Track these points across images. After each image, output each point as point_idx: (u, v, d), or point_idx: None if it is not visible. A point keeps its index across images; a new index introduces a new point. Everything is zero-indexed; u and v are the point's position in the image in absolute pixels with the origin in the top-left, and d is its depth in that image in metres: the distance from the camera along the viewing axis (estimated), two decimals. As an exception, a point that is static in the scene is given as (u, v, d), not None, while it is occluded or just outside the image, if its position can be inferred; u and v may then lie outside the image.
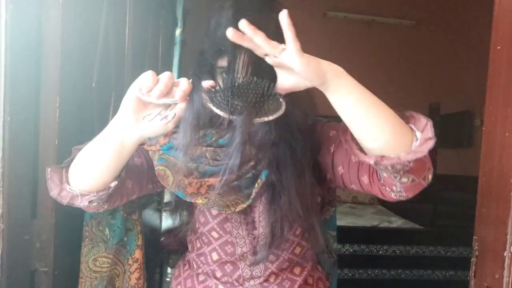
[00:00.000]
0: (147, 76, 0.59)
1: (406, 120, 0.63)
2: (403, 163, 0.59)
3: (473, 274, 0.86)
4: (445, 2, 3.48)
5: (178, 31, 1.93)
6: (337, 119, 0.69)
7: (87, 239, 0.85)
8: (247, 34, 0.55)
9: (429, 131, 0.60)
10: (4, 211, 0.71)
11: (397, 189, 0.65)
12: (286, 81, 0.61)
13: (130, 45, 1.23)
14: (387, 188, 0.66)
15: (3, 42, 0.69)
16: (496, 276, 0.78)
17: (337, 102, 0.60)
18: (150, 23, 1.50)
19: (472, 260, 0.86)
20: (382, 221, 2.79)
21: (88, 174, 0.67)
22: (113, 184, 0.69)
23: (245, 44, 0.57)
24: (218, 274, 0.82)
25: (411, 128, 0.62)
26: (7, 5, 0.69)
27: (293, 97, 0.66)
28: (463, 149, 3.42)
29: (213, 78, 0.67)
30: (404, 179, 0.62)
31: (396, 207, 3.21)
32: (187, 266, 0.88)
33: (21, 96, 0.74)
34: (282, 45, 0.57)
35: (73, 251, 0.90)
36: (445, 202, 3.25)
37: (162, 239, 1.03)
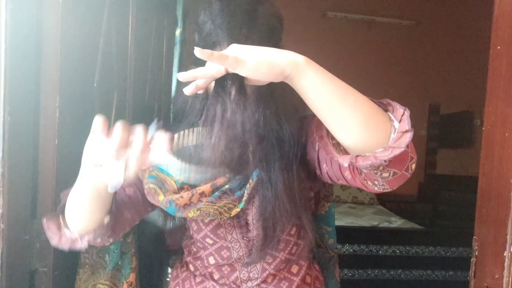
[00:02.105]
0: (96, 143, 0.59)
1: (384, 108, 0.60)
2: (379, 163, 0.55)
3: (473, 274, 0.86)
4: (445, 2, 3.48)
5: (178, 31, 1.93)
6: None
7: (86, 266, 0.85)
8: (211, 58, 0.54)
9: (406, 123, 0.56)
10: (4, 211, 0.71)
11: (379, 183, 0.62)
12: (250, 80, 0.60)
13: (133, 45, 1.23)
14: (369, 182, 0.63)
15: (3, 42, 0.69)
16: (496, 276, 0.78)
17: (304, 94, 0.58)
18: (154, 24, 1.50)
19: (472, 260, 0.86)
20: (382, 221, 2.79)
21: (78, 217, 0.69)
22: (106, 221, 0.70)
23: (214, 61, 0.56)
24: (216, 276, 0.82)
25: (389, 117, 0.58)
26: (7, 5, 0.69)
27: (281, 90, 0.66)
28: (463, 149, 3.42)
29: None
30: (385, 174, 0.59)
31: (396, 207, 3.22)
32: (184, 268, 0.88)
33: (21, 96, 0.74)
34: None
35: (72, 251, 0.90)
36: (445, 202, 3.25)
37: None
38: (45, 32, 0.78)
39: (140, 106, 1.38)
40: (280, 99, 0.71)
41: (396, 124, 0.57)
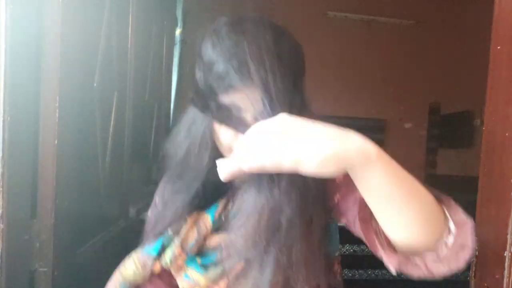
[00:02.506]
0: None
1: (440, 201, 0.53)
2: (430, 275, 0.51)
3: (473, 274, 0.86)
4: (445, 2, 3.48)
5: (178, 31, 1.93)
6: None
7: None
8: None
9: (470, 238, 0.50)
10: (4, 211, 0.71)
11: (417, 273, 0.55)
12: None
13: (133, 45, 1.23)
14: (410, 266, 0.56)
15: (3, 42, 0.69)
16: (496, 276, 0.78)
17: (363, 187, 0.49)
18: (154, 24, 1.50)
19: (472, 260, 0.86)
20: (382, 221, 2.79)
21: None
22: None
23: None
24: None
25: (445, 215, 0.52)
26: (7, 5, 0.69)
27: None
28: (463, 149, 3.42)
29: (219, 113, 0.60)
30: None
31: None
32: None
33: (21, 96, 0.74)
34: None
35: (72, 251, 0.90)
36: (445, 202, 3.24)
37: None
38: (45, 32, 0.77)
39: (140, 106, 1.38)
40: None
41: (451, 225, 0.51)
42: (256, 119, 0.52)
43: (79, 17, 0.86)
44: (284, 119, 0.46)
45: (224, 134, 0.62)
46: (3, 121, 0.70)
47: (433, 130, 3.60)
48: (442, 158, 3.57)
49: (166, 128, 1.76)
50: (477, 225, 0.87)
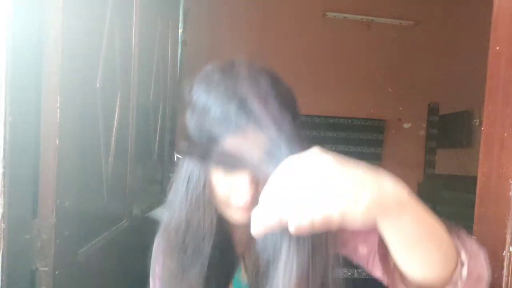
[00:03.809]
0: None
1: (452, 234, 0.52)
2: None
3: (472, 273, 0.86)
4: (445, 2, 3.48)
5: (178, 32, 1.93)
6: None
7: None
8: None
9: (484, 267, 0.50)
10: (5, 210, 0.71)
11: None
12: None
13: (137, 45, 1.23)
14: None
15: (4, 42, 0.69)
16: (496, 276, 0.78)
17: (388, 233, 0.47)
18: (159, 23, 1.50)
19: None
20: (381, 221, 2.79)
21: None
22: None
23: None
24: None
25: (457, 249, 0.51)
26: (7, 5, 0.69)
27: None
28: (462, 149, 3.42)
29: (221, 159, 0.56)
30: None
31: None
32: None
33: (22, 96, 0.74)
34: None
35: (74, 251, 0.90)
36: (444, 202, 3.25)
37: None
38: (46, 32, 0.78)
39: (144, 106, 1.38)
40: None
41: (463, 256, 0.50)
42: (264, 160, 0.48)
43: (81, 16, 0.86)
44: (317, 154, 0.41)
45: (221, 185, 0.59)
46: (5, 121, 0.70)
47: (432, 130, 3.61)
48: (441, 158, 3.58)
49: (171, 128, 1.75)
50: (476, 225, 0.87)
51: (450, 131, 3.52)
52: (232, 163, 0.55)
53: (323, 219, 0.39)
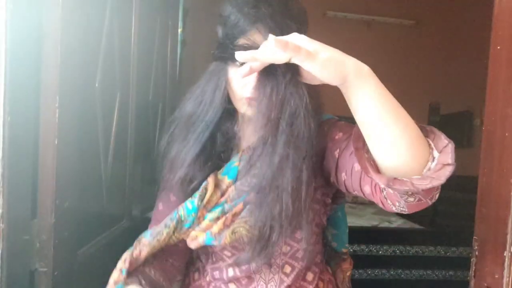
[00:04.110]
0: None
1: (425, 134, 0.58)
2: (416, 190, 0.54)
3: (473, 274, 0.86)
4: (445, 2, 3.47)
5: (178, 31, 1.93)
6: (347, 119, 0.67)
7: None
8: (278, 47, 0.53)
9: (450, 156, 0.54)
10: (4, 211, 0.71)
11: (400, 205, 0.60)
12: (304, 74, 0.60)
13: (136, 45, 1.23)
14: (389, 202, 0.62)
15: (3, 42, 0.69)
16: (496, 276, 0.78)
17: (356, 105, 0.56)
18: (158, 23, 1.50)
19: (472, 260, 0.86)
20: (382, 221, 2.79)
21: None
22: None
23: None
24: (232, 287, 0.79)
25: (430, 145, 0.56)
26: (7, 5, 0.69)
27: (314, 92, 0.66)
28: (463, 149, 3.42)
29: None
30: (411, 199, 0.58)
31: (396, 207, 3.21)
32: (197, 275, 0.86)
33: (21, 96, 0.74)
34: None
35: (73, 251, 0.90)
36: (445, 202, 3.24)
37: None
38: (45, 32, 0.77)
39: (143, 106, 1.38)
40: (313, 99, 0.69)
41: (435, 153, 0.55)
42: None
43: (80, 16, 0.86)
44: (297, 34, 0.55)
45: (237, 81, 0.71)
46: (3, 121, 0.70)
47: (433, 130, 3.60)
48: (442, 158, 3.57)
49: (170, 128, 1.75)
50: (477, 225, 0.87)
51: (451, 131, 3.50)
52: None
53: (294, 49, 0.52)
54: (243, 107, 0.73)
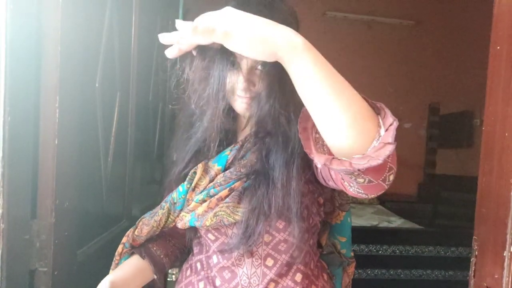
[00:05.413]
0: None
1: (377, 111, 0.56)
2: (353, 170, 0.52)
3: (472, 274, 0.86)
4: (445, 2, 3.48)
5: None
6: None
7: None
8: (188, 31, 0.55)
9: (390, 134, 0.52)
10: (4, 211, 0.71)
11: (354, 187, 0.59)
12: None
13: (136, 45, 1.23)
14: (346, 183, 0.61)
15: (3, 42, 0.69)
16: (496, 276, 0.78)
17: (295, 81, 0.53)
18: (158, 23, 1.50)
19: (471, 260, 0.86)
20: (381, 221, 2.79)
21: None
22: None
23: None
24: (217, 282, 0.80)
25: (378, 123, 0.54)
26: (7, 5, 0.69)
27: (289, 85, 0.66)
28: (462, 149, 3.42)
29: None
30: (360, 180, 0.56)
31: (395, 207, 3.22)
32: (189, 271, 0.87)
33: (21, 96, 0.74)
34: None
35: (73, 251, 0.90)
36: (444, 202, 3.25)
37: None
38: (45, 32, 0.77)
39: (143, 106, 1.38)
40: (292, 93, 0.66)
41: (382, 131, 0.53)
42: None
43: (80, 16, 0.86)
44: (230, 9, 0.54)
45: (229, 80, 0.71)
46: (3, 121, 0.70)
47: (432, 130, 3.60)
48: (442, 158, 3.58)
49: (170, 128, 1.75)
50: (477, 225, 0.87)
51: (450, 131, 3.52)
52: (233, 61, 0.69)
53: (205, 32, 0.53)
54: (239, 106, 0.76)
